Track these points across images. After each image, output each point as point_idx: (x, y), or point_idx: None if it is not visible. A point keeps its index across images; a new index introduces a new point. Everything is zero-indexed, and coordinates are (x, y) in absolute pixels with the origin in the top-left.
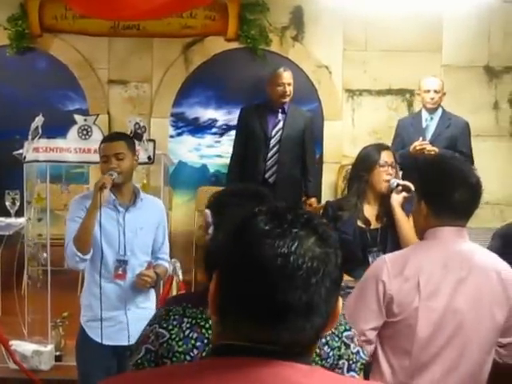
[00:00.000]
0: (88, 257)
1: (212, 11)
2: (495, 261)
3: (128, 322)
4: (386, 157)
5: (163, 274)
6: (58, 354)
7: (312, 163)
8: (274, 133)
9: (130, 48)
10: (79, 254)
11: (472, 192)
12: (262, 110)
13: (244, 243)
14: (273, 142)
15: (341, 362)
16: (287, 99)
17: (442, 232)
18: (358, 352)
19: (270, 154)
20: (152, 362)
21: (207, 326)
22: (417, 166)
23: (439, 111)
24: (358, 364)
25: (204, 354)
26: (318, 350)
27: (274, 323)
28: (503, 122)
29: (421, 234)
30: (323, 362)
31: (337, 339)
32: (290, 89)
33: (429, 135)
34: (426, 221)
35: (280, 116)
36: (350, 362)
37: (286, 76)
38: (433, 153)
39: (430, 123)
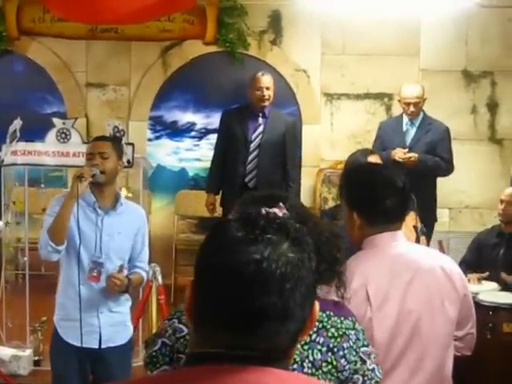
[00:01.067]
0: (61, 248)
1: (190, 15)
2: (438, 257)
3: (100, 325)
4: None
5: (137, 281)
6: (36, 358)
7: (293, 168)
8: (254, 137)
9: (108, 51)
10: (52, 243)
11: (400, 197)
12: (243, 114)
13: (217, 250)
14: (253, 145)
15: (355, 377)
16: (266, 103)
17: (379, 238)
18: (373, 369)
19: (249, 158)
20: (166, 356)
21: None
22: (343, 178)
23: (420, 116)
24: (373, 381)
25: None
26: (334, 362)
27: (249, 329)
28: (481, 126)
29: (358, 244)
30: (338, 374)
31: (354, 353)
32: (268, 93)
33: (408, 139)
34: (361, 231)
35: (261, 120)
36: (365, 378)
37: (265, 80)
38: (412, 159)
39: (410, 127)
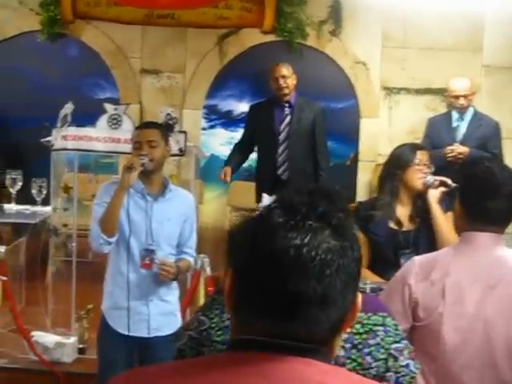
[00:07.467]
0: (113, 240)
1: (248, 2)
2: None
3: (149, 313)
4: (421, 156)
5: (185, 268)
6: (81, 346)
7: (323, 156)
8: (282, 128)
9: (164, 37)
10: (104, 235)
11: (507, 201)
12: (269, 106)
13: (257, 236)
14: (282, 137)
15: (388, 375)
16: (285, 91)
17: (475, 237)
18: (407, 365)
19: (280, 150)
20: (193, 350)
21: None
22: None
23: (470, 111)
24: (407, 377)
25: None
26: (359, 359)
27: (288, 316)
28: None
29: (458, 234)
30: (365, 371)
31: (382, 351)
32: (286, 81)
33: (459, 135)
34: (461, 221)
35: (287, 110)
36: (398, 374)
37: (280, 69)
38: (463, 153)
39: (461, 123)
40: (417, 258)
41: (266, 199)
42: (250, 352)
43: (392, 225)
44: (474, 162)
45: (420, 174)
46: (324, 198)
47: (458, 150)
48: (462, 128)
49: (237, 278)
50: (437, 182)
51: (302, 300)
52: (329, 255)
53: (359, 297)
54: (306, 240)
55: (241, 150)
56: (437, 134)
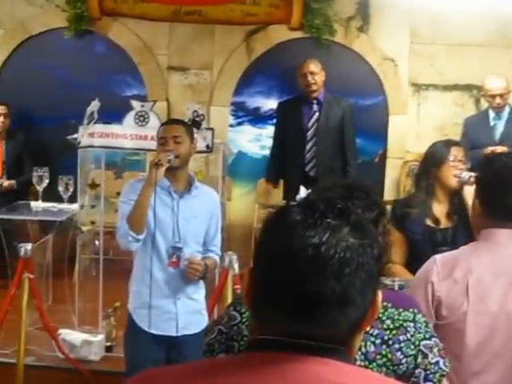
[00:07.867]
0: (141, 237)
1: None
2: None
3: (177, 312)
4: (455, 152)
5: (212, 266)
6: (108, 344)
7: (351, 153)
8: (310, 125)
9: (191, 34)
10: (132, 233)
11: None
12: (297, 103)
13: (275, 234)
14: (310, 134)
15: (417, 371)
16: (313, 88)
17: (495, 234)
18: (437, 362)
19: (308, 147)
20: (223, 344)
21: None
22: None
23: (506, 109)
24: (437, 375)
25: None
26: (389, 355)
27: (306, 314)
28: None
29: (476, 232)
30: (395, 367)
31: (412, 347)
32: (314, 78)
33: (497, 134)
34: (480, 219)
35: (315, 107)
36: (428, 371)
37: (308, 65)
38: (503, 153)
39: (498, 122)
40: (438, 257)
41: (303, 191)
42: (267, 352)
43: (429, 222)
44: (492, 158)
45: (455, 171)
46: (360, 193)
47: (499, 150)
48: (500, 127)
49: (255, 277)
50: (472, 179)
51: (321, 300)
52: (348, 253)
53: (379, 295)
54: (325, 238)
55: (276, 161)
56: (475, 133)
